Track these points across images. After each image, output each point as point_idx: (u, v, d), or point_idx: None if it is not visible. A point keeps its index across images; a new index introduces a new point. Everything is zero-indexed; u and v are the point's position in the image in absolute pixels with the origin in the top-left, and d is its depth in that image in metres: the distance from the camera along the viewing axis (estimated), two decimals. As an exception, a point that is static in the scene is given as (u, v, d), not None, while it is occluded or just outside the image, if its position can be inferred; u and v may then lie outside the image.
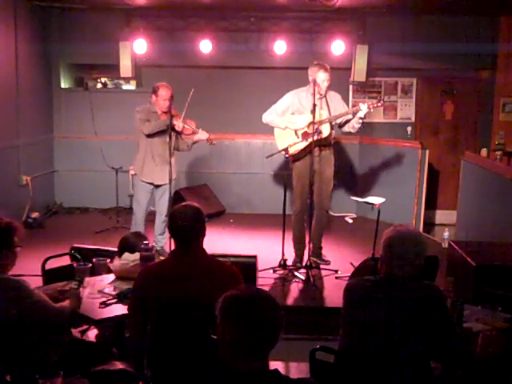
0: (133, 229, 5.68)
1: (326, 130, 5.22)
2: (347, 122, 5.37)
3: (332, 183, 5.49)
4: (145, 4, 7.23)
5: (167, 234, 5.52)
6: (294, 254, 5.53)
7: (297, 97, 5.37)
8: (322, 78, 5.17)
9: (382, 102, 5.31)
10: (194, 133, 5.53)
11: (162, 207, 5.60)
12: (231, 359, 1.81)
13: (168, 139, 5.22)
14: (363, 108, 5.15)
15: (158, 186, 5.60)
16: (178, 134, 5.54)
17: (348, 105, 7.03)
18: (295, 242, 5.54)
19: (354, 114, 5.26)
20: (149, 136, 5.44)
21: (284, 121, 5.37)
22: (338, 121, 5.36)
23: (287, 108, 5.40)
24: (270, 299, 1.87)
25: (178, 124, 5.39)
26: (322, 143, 5.30)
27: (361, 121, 5.27)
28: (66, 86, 8.14)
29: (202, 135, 5.53)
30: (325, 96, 5.32)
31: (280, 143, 5.38)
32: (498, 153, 6.83)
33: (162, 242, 5.61)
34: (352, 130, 5.43)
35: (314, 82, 5.06)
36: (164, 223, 5.55)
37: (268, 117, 5.45)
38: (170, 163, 5.24)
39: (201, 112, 7.53)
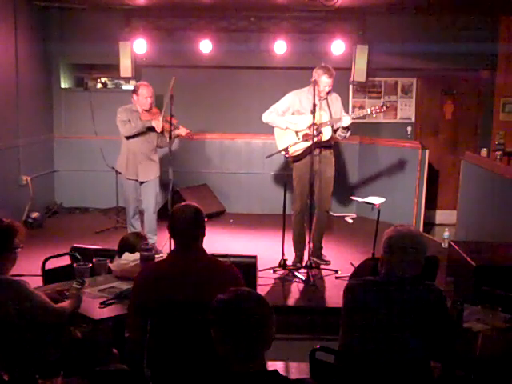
0: (129, 228, 5.72)
1: (327, 133, 5.21)
2: (337, 129, 5.37)
3: (332, 184, 5.48)
4: (145, 4, 7.23)
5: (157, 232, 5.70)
6: (293, 254, 5.53)
7: (298, 97, 5.36)
8: (324, 83, 5.17)
9: (384, 107, 5.26)
10: (175, 128, 5.56)
11: (147, 204, 5.71)
12: (227, 360, 1.83)
13: (149, 136, 5.49)
14: (344, 120, 5.17)
15: (141, 183, 5.68)
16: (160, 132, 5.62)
17: (348, 106, 7.04)
18: (295, 242, 5.54)
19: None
20: (128, 137, 5.56)
21: (285, 121, 5.36)
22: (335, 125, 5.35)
23: (288, 108, 5.39)
24: (258, 300, 1.88)
25: (158, 125, 5.47)
26: (323, 144, 5.30)
27: (345, 130, 5.28)
28: (66, 86, 8.14)
29: (182, 131, 5.60)
30: (326, 98, 5.32)
31: (280, 143, 5.38)
32: (498, 153, 6.82)
33: (153, 238, 5.63)
34: (339, 138, 5.46)
35: (315, 82, 5.06)
36: (152, 220, 5.63)
37: (268, 116, 5.44)
38: (152, 161, 5.37)
39: (201, 112, 7.56)
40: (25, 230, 2.93)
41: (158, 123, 5.46)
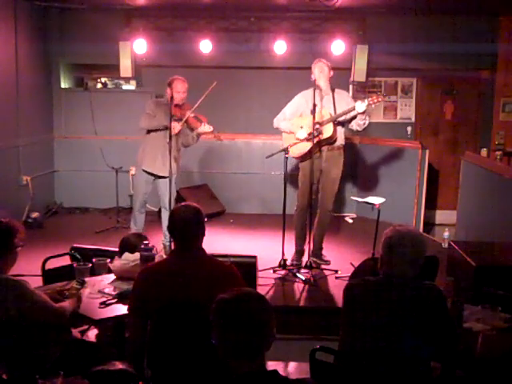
0: (132, 224, 5.69)
1: (327, 131, 5.21)
2: (353, 118, 5.32)
3: (337, 184, 5.46)
4: (145, 4, 7.23)
5: None
6: (294, 250, 5.52)
7: (304, 98, 5.37)
8: (312, 72, 5.22)
9: (381, 96, 5.26)
10: (201, 125, 5.51)
11: (165, 201, 5.59)
12: (227, 360, 1.83)
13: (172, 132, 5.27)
14: (358, 106, 5.14)
15: (160, 178, 5.59)
16: (190, 129, 5.53)
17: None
18: (296, 237, 5.51)
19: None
20: (149, 131, 5.50)
21: (289, 124, 5.38)
22: (342, 118, 5.33)
23: (296, 110, 5.40)
24: (258, 300, 1.88)
25: (175, 127, 5.34)
26: (326, 143, 5.29)
27: (363, 116, 5.24)
28: (66, 86, 8.14)
29: (207, 128, 5.49)
30: (332, 94, 5.29)
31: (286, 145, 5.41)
32: (498, 153, 6.84)
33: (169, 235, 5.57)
34: (358, 128, 5.39)
35: (315, 81, 5.08)
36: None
37: (276, 122, 5.49)
38: (174, 159, 5.23)
39: (201, 112, 7.52)
40: (24, 229, 2.93)
41: (176, 125, 5.34)
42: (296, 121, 5.36)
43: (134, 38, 7.45)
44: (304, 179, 5.39)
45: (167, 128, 5.30)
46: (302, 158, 5.34)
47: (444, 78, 8.04)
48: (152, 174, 5.59)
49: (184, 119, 5.39)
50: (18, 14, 6.85)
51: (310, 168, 5.16)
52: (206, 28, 7.48)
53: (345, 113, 5.25)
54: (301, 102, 5.38)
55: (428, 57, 7.61)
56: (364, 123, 5.31)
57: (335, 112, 5.26)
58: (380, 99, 5.23)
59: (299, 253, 5.52)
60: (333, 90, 5.33)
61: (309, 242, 5.25)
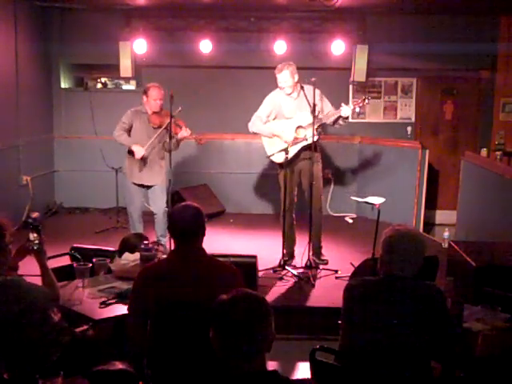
0: (131, 230, 5.68)
1: (309, 134, 5.20)
2: (336, 121, 5.33)
3: (321, 181, 5.47)
4: (145, 4, 7.23)
5: (168, 234, 5.53)
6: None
7: (276, 98, 5.38)
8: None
9: (367, 100, 5.28)
10: (179, 129, 5.51)
11: (156, 208, 5.63)
12: (226, 361, 1.83)
13: (155, 140, 5.33)
14: (344, 110, 5.15)
15: (148, 187, 5.61)
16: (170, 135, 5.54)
17: (348, 102, 7.00)
18: (284, 239, 5.48)
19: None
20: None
21: (270, 129, 5.38)
22: (328, 121, 5.33)
23: (270, 111, 5.40)
24: (257, 302, 1.87)
25: (138, 152, 5.37)
26: (307, 146, 5.31)
27: (346, 120, 5.29)
28: (66, 86, 8.14)
29: (184, 133, 5.44)
30: (304, 93, 5.15)
31: (269, 149, 5.39)
32: (498, 153, 6.85)
33: (162, 241, 5.59)
34: (337, 126, 5.46)
35: (315, 82, 5.07)
36: (161, 224, 5.56)
37: (253, 126, 5.46)
38: (159, 167, 5.29)
39: (201, 112, 7.55)
40: (10, 224, 2.88)
41: (139, 151, 5.36)
42: (275, 124, 5.35)
43: (134, 37, 7.45)
44: (284, 180, 5.35)
45: (131, 152, 5.41)
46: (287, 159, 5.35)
47: (444, 78, 8.03)
48: (141, 185, 5.60)
49: (173, 120, 5.34)
50: (18, 14, 6.84)
51: (290, 170, 5.19)
52: (205, 28, 7.48)
53: (328, 117, 5.25)
54: (275, 102, 5.38)
55: (428, 57, 7.61)
56: (345, 122, 5.36)
57: (313, 109, 5.15)
58: (365, 103, 5.28)
59: (289, 254, 5.49)
60: (302, 88, 5.19)
61: (308, 242, 5.25)
